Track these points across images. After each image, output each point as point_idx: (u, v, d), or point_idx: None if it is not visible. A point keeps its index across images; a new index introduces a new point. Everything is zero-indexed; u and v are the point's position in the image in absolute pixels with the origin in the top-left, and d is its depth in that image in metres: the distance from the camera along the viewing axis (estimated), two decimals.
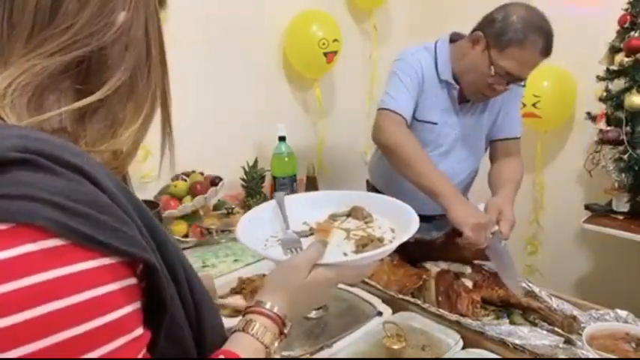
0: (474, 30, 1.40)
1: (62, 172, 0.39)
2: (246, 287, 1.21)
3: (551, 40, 1.32)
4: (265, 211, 0.90)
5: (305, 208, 0.92)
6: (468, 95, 1.48)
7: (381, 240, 0.82)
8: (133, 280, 0.42)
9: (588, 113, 1.95)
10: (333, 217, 0.91)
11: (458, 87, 1.46)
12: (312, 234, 0.85)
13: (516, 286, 1.19)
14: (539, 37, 1.29)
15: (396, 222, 0.87)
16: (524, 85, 1.47)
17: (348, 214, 0.91)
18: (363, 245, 0.80)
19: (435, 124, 1.50)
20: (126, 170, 0.53)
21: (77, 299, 0.37)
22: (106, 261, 0.40)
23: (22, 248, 0.36)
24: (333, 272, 0.68)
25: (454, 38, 1.51)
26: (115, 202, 0.42)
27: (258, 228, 0.85)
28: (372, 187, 1.79)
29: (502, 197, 1.38)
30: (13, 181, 0.37)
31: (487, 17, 1.38)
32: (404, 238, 0.78)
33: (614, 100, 1.83)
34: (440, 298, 1.18)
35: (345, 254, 0.77)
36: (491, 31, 1.34)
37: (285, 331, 0.61)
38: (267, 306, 0.61)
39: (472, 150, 1.59)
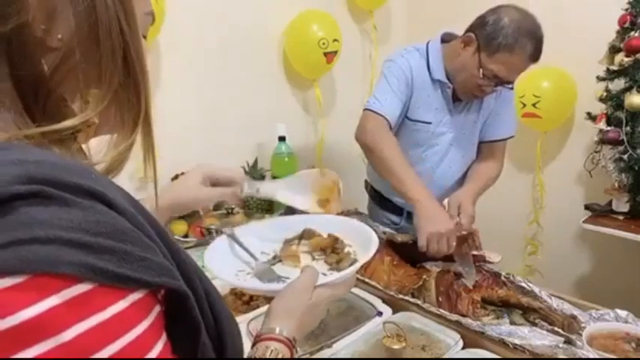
0: (467, 30, 1.40)
1: (75, 201, 0.34)
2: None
3: (541, 46, 1.32)
4: (222, 248, 0.88)
5: (256, 239, 0.91)
6: (460, 95, 1.48)
7: (348, 253, 0.84)
8: (158, 309, 0.38)
9: (588, 113, 1.95)
10: (288, 242, 0.90)
11: (451, 86, 1.46)
12: (279, 261, 0.86)
13: (471, 277, 1.24)
14: (529, 42, 1.29)
15: (349, 235, 0.89)
16: (512, 88, 1.47)
17: (301, 237, 0.91)
18: (337, 262, 0.82)
19: (429, 123, 1.50)
20: None
21: (112, 350, 0.33)
22: (134, 297, 0.35)
23: (46, 303, 0.31)
24: (330, 290, 0.72)
25: (446, 38, 1.51)
26: (134, 224, 0.37)
27: (223, 265, 0.82)
28: (370, 187, 1.79)
29: (463, 192, 1.44)
30: (22, 222, 0.32)
31: (479, 19, 1.38)
32: (373, 249, 0.79)
33: (614, 100, 1.82)
34: (440, 298, 1.18)
35: (324, 274, 0.79)
36: (482, 33, 1.34)
37: (296, 355, 0.64)
38: (277, 331, 0.63)
39: (467, 149, 1.59)
